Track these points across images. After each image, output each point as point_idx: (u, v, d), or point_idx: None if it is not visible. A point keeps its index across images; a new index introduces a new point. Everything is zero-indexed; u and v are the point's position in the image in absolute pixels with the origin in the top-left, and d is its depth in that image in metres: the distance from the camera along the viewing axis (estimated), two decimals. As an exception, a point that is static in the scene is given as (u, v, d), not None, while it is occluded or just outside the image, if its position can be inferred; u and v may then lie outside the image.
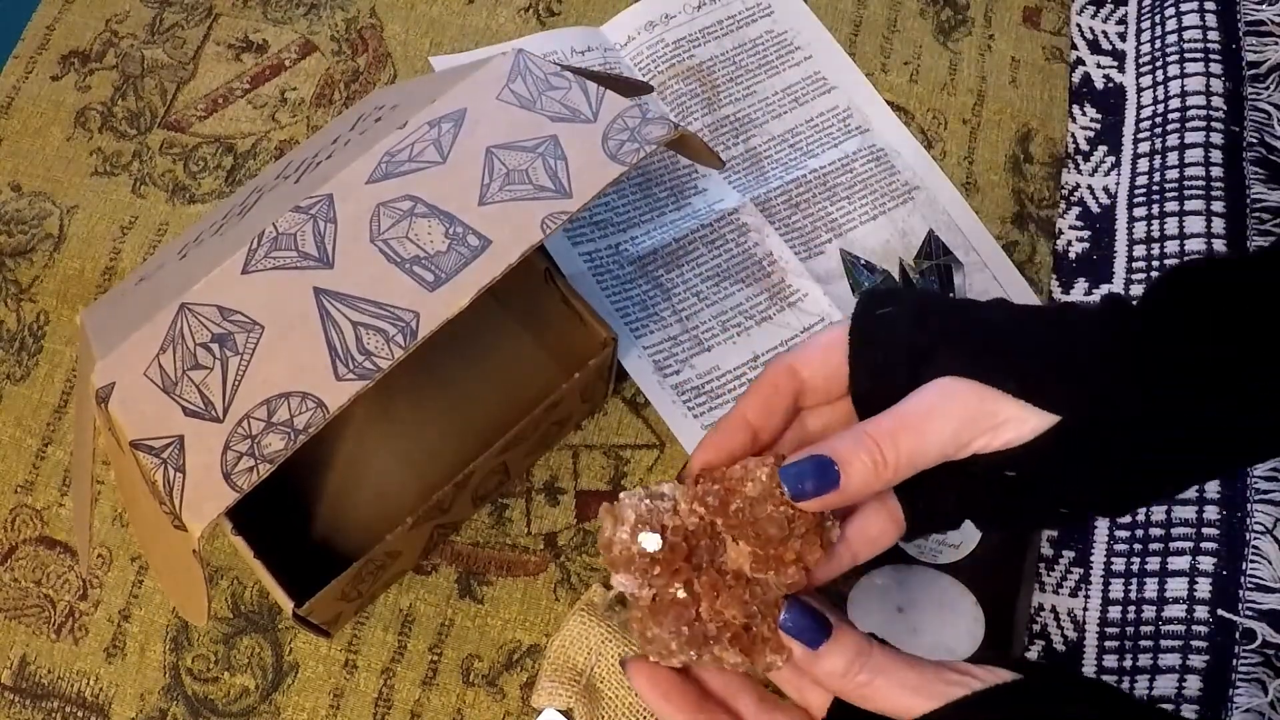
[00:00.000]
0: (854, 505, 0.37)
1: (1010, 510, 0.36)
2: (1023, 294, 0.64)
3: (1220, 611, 0.54)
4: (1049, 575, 0.57)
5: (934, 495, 0.36)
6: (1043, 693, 0.33)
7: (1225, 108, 0.66)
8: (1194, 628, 0.54)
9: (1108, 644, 0.55)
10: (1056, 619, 0.56)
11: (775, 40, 0.72)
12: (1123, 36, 0.72)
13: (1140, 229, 0.65)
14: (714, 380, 0.61)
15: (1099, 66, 0.71)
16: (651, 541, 0.34)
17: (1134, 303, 0.35)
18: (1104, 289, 0.64)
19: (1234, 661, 0.53)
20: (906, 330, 0.36)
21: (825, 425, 0.39)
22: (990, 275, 0.64)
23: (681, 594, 0.34)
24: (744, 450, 0.37)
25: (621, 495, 0.35)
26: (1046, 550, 0.57)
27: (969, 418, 0.34)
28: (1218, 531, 0.56)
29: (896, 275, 0.64)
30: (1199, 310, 0.33)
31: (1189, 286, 0.34)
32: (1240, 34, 0.69)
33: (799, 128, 0.69)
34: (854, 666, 0.33)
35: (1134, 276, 0.64)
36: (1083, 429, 0.34)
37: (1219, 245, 0.63)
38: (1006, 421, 0.34)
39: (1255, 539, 0.56)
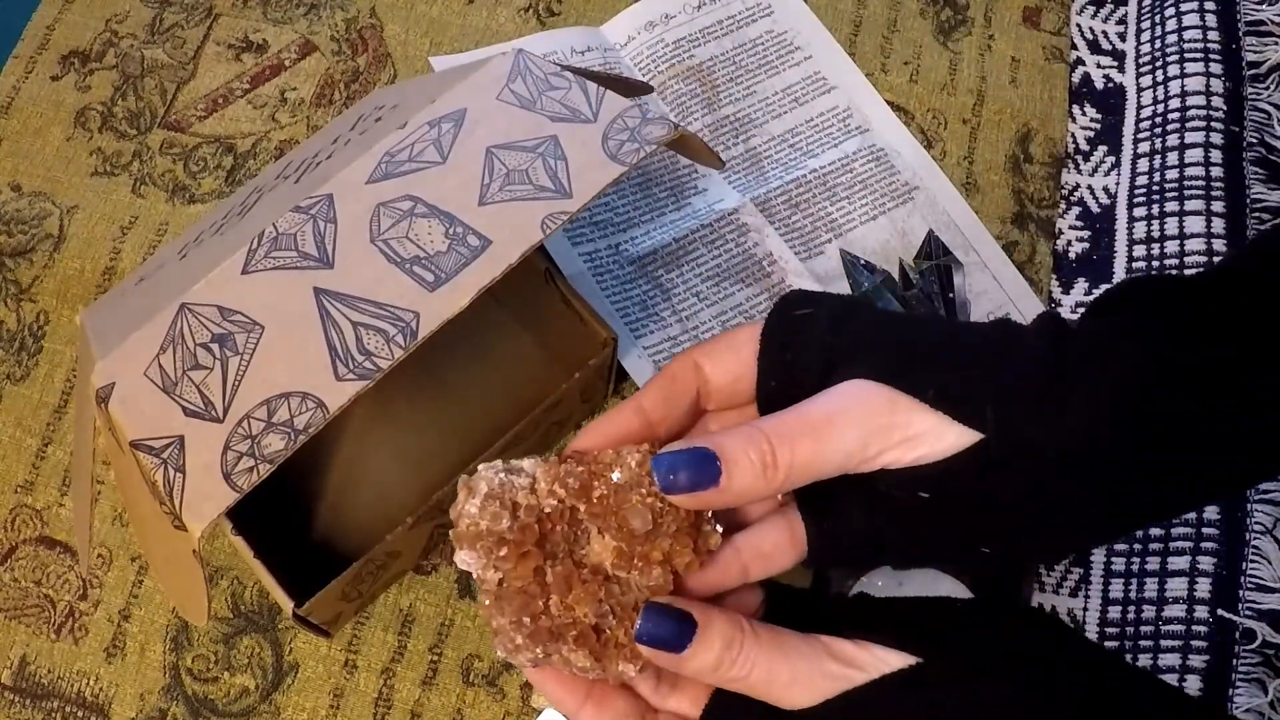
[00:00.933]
0: (747, 514, 0.35)
1: (923, 541, 0.33)
2: (1023, 294, 0.64)
3: (1220, 611, 0.54)
4: (1049, 575, 0.57)
5: (841, 516, 0.33)
6: (940, 679, 0.30)
7: (1225, 108, 0.66)
8: (1194, 628, 0.54)
9: (1107, 644, 0.55)
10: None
11: (775, 40, 0.72)
12: (1123, 36, 0.72)
13: (1140, 229, 0.65)
14: (714, 380, 0.61)
15: (1099, 66, 0.71)
16: (499, 519, 0.31)
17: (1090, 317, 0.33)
18: (1104, 289, 0.64)
19: (1234, 662, 0.53)
20: (824, 332, 0.33)
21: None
22: (990, 275, 0.64)
23: (529, 582, 0.31)
24: (630, 438, 0.34)
25: (480, 466, 0.32)
26: (1046, 550, 0.57)
27: (877, 426, 0.31)
28: (1218, 531, 0.56)
29: (896, 275, 0.64)
30: (1199, 311, 0.32)
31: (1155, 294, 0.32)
32: (1240, 34, 0.69)
33: (799, 128, 0.69)
34: (724, 662, 0.30)
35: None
36: (1012, 453, 0.30)
37: (1219, 245, 0.63)
38: (920, 435, 0.30)
39: (1255, 539, 0.56)
